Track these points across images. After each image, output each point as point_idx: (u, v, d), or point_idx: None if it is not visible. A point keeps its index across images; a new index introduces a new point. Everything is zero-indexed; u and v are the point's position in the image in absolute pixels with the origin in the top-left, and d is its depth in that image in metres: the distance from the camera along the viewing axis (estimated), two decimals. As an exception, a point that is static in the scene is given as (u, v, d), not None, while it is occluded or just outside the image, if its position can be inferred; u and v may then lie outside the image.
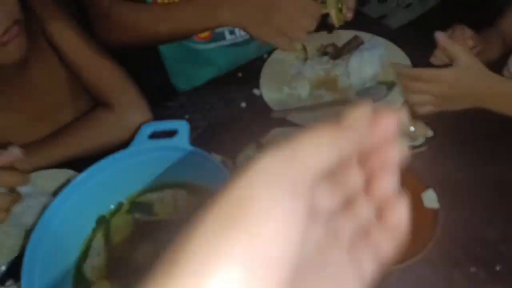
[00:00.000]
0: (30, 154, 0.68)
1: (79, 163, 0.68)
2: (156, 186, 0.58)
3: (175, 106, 0.81)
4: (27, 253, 0.46)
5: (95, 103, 0.76)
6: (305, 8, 0.63)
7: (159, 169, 0.57)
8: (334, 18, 0.69)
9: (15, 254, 0.56)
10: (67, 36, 0.70)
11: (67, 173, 0.65)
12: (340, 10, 0.70)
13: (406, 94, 0.64)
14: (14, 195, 0.54)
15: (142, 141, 0.56)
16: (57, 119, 0.74)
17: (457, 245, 0.50)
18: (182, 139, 0.54)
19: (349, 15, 0.70)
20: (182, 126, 0.56)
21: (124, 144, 0.67)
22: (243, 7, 0.64)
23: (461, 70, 0.58)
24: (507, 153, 0.59)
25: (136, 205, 0.58)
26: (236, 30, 0.82)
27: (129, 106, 0.71)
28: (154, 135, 0.57)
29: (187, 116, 0.77)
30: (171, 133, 0.56)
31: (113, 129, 0.70)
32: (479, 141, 0.62)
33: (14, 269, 0.54)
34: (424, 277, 0.48)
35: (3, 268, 0.56)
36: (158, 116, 0.74)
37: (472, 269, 0.48)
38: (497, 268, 0.48)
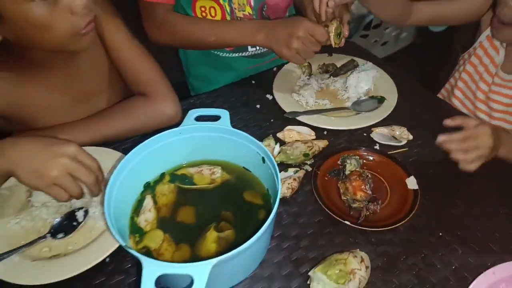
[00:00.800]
0: (77, 130, 0.77)
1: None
2: (196, 162, 0.70)
3: (196, 103, 0.92)
4: (106, 205, 0.55)
5: (129, 92, 0.86)
6: (314, 35, 0.79)
7: (201, 147, 0.69)
8: (333, 41, 0.86)
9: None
10: (115, 32, 0.79)
11: (109, 152, 0.75)
12: (339, 34, 0.88)
13: (460, 157, 0.67)
14: None
15: (189, 123, 0.68)
16: (95, 104, 0.83)
17: (431, 216, 0.66)
18: (225, 122, 0.67)
19: (343, 40, 0.88)
20: (224, 113, 0.68)
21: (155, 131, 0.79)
22: (273, 34, 0.80)
23: (487, 123, 0.68)
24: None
25: (176, 176, 0.69)
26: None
27: (164, 96, 0.81)
28: (199, 119, 0.69)
29: (208, 112, 0.90)
30: (214, 119, 0.68)
31: (149, 116, 0.79)
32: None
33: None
34: (407, 238, 0.63)
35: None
36: (184, 112, 0.84)
37: (441, 233, 0.64)
38: (458, 233, 0.64)
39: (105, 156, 0.72)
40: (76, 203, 0.68)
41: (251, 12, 0.91)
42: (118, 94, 0.87)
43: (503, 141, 0.70)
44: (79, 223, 0.65)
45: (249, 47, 0.96)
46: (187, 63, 1.07)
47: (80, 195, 0.62)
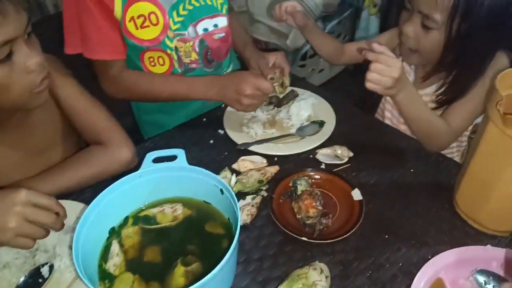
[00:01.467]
0: (35, 185, 0.78)
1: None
2: (158, 202, 0.73)
3: (150, 146, 0.96)
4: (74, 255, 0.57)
5: (84, 143, 0.89)
6: (261, 90, 0.87)
7: (161, 187, 0.73)
8: (277, 90, 0.97)
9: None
10: (66, 87, 0.83)
11: (69, 204, 0.76)
12: (282, 84, 0.98)
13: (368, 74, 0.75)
14: None
15: (148, 165, 0.72)
16: (50, 157, 0.85)
17: (375, 222, 0.74)
18: (182, 161, 0.72)
19: (287, 88, 0.99)
20: (180, 153, 0.73)
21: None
22: (224, 91, 0.89)
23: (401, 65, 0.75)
24: (400, 163, 0.87)
25: (139, 218, 0.72)
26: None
27: (119, 143, 0.84)
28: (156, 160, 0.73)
29: (164, 153, 0.94)
30: (171, 158, 0.73)
31: (107, 163, 0.82)
32: (383, 158, 0.89)
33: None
34: (357, 245, 0.71)
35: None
36: (138, 155, 0.87)
37: (385, 236, 0.72)
38: (400, 233, 0.72)
39: (66, 209, 0.73)
40: (40, 259, 0.68)
41: (196, 58, 0.98)
42: (73, 146, 0.90)
43: (407, 88, 0.78)
44: (45, 279, 0.65)
45: None
46: (138, 111, 1.11)
47: (46, 235, 0.63)
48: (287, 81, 0.98)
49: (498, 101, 0.56)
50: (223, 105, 1.06)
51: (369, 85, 0.76)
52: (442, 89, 0.92)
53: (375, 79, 0.74)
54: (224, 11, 0.98)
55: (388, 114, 1.10)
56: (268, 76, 0.97)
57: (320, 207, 0.72)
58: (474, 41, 0.80)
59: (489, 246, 0.64)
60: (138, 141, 1.18)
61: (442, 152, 0.91)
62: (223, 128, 0.98)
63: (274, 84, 0.94)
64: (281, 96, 1.02)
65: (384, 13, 1.82)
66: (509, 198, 0.64)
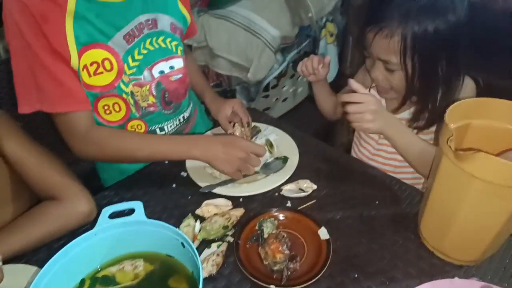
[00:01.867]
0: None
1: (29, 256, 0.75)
2: (117, 259, 0.69)
3: (110, 195, 0.92)
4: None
5: (36, 199, 0.83)
6: (256, 153, 0.87)
7: (119, 244, 0.69)
8: None
9: None
10: (13, 143, 0.78)
11: (21, 268, 0.71)
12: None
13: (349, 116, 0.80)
14: None
15: (103, 222, 0.68)
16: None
17: (343, 261, 0.73)
18: (140, 215, 0.69)
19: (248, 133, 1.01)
20: (137, 205, 0.70)
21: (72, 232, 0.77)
22: (211, 152, 0.85)
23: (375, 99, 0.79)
24: (365, 194, 0.88)
25: (97, 279, 0.67)
26: (164, 126, 1.02)
27: (75, 197, 0.79)
28: (113, 216, 0.69)
29: (124, 201, 0.90)
30: (129, 211, 0.69)
31: (63, 219, 0.78)
32: (347, 190, 0.90)
33: None
34: (328, 287, 0.69)
35: None
36: (99, 206, 0.82)
37: (354, 275, 0.71)
38: (369, 270, 0.72)
39: (18, 273, 0.68)
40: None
41: (154, 101, 0.96)
42: (25, 203, 0.84)
43: (389, 118, 0.82)
44: None
45: (157, 130, 1.01)
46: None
47: None
48: (247, 131, 1.01)
49: (449, 137, 0.58)
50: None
51: (354, 125, 0.80)
52: (414, 116, 0.95)
53: (355, 118, 0.79)
54: (179, 52, 0.98)
55: (356, 145, 1.12)
56: (228, 131, 1.00)
57: (287, 251, 0.70)
58: (431, 70, 0.84)
59: (456, 278, 0.64)
60: (98, 189, 1.13)
61: (413, 179, 0.92)
62: (185, 170, 0.95)
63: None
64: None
65: (341, 42, 1.89)
66: (470, 228, 0.65)
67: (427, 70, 0.84)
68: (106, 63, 0.85)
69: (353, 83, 0.79)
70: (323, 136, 2.06)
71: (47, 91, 0.81)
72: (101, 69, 0.85)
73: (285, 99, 1.78)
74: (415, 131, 0.94)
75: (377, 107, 0.79)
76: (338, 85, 1.94)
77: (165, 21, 0.93)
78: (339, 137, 2.08)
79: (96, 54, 0.83)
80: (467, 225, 0.64)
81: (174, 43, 0.96)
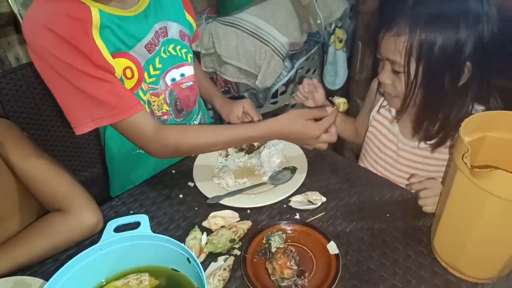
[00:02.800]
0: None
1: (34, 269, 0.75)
2: (122, 274, 0.68)
3: (117, 205, 0.91)
4: None
5: (44, 210, 0.83)
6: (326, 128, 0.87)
7: (124, 258, 0.68)
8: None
9: None
10: (20, 155, 0.78)
11: (28, 280, 0.70)
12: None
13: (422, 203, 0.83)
14: None
15: (109, 236, 0.67)
16: (7, 229, 0.78)
17: (353, 276, 0.71)
18: (146, 229, 0.68)
19: None
20: (143, 219, 0.69)
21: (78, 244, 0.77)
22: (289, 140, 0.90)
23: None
24: (376, 207, 0.86)
25: (102, 294, 0.66)
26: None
27: (82, 209, 0.79)
28: (119, 229, 0.68)
29: (131, 212, 0.89)
30: (135, 224, 0.68)
31: (69, 231, 0.77)
32: (357, 202, 0.88)
33: None
34: (338, 304, 0.67)
35: None
36: (106, 217, 0.83)
37: (366, 291, 0.69)
38: (381, 286, 0.69)
39: (24, 286, 0.67)
40: None
41: (168, 109, 0.95)
42: (32, 215, 0.83)
43: None
44: None
45: None
46: (109, 160, 1.06)
47: None
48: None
49: (464, 152, 0.55)
50: (193, 154, 1.03)
51: (426, 209, 0.83)
52: (415, 125, 0.92)
53: (429, 203, 0.82)
54: (189, 59, 0.97)
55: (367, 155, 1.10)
56: None
57: (295, 267, 0.68)
58: (435, 80, 0.82)
59: (471, 297, 0.62)
60: (108, 195, 1.12)
61: None
62: (193, 180, 0.94)
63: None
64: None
65: (350, 48, 1.87)
66: (486, 246, 0.62)
67: (430, 79, 0.82)
68: (128, 72, 0.84)
69: (416, 178, 0.87)
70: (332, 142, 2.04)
71: (99, 104, 0.77)
72: (122, 77, 0.84)
73: (294, 105, 1.76)
74: (429, 148, 0.93)
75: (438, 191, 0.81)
76: (347, 91, 1.92)
77: (174, 29, 0.92)
78: (349, 142, 2.06)
79: (119, 63, 0.81)
80: (482, 243, 0.62)
81: (184, 50, 0.95)
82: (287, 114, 0.87)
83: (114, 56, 0.80)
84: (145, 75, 0.87)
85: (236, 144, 0.97)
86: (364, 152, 1.12)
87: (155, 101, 0.92)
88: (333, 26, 1.70)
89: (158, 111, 0.94)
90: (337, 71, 1.81)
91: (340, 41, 1.74)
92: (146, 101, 0.90)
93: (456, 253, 0.67)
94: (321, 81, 1.85)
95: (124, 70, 0.83)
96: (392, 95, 0.91)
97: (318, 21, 1.48)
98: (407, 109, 0.89)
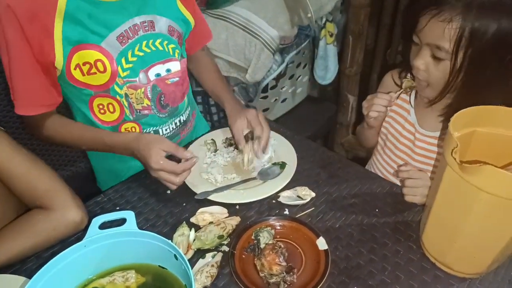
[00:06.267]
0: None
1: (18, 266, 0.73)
2: (108, 271, 0.67)
3: (103, 202, 0.89)
4: None
5: (24, 207, 0.81)
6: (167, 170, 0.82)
7: (110, 255, 0.66)
8: (245, 163, 0.92)
9: None
10: None
11: (9, 278, 0.68)
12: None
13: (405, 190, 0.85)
14: None
15: (94, 232, 0.65)
16: None
17: (342, 272, 0.71)
18: (132, 225, 0.66)
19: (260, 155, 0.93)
20: (129, 215, 0.67)
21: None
22: (137, 156, 0.85)
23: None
24: (365, 202, 0.86)
25: (87, 292, 0.65)
26: (159, 129, 0.99)
27: (66, 205, 0.76)
28: (104, 226, 0.67)
29: (118, 208, 0.88)
30: (121, 221, 0.67)
31: (52, 228, 0.75)
32: (347, 197, 0.87)
33: None
34: (327, 300, 0.67)
35: None
36: (91, 213, 0.80)
37: (355, 287, 0.68)
38: (369, 282, 0.69)
39: (6, 284, 0.65)
40: None
41: (149, 103, 0.93)
42: (13, 213, 0.80)
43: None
44: None
45: (152, 133, 0.98)
46: (91, 157, 1.04)
47: None
48: (257, 147, 0.92)
49: (453, 148, 0.55)
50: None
51: (408, 198, 0.84)
52: (447, 114, 0.90)
53: (412, 192, 0.84)
54: (176, 55, 0.95)
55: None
56: (239, 146, 0.94)
57: (283, 263, 0.68)
58: (480, 68, 0.80)
59: (459, 292, 0.62)
60: (95, 190, 1.10)
61: None
62: (181, 176, 0.92)
63: (244, 155, 0.92)
64: (247, 167, 0.93)
65: (341, 41, 1.86)
66: (475, 242, 0.62)
67: (476, 68, 0.80)
68: (99, 65, 0.83)
69: (404, 167, 0.88)
70: (322, 136, 2.04)
71: (16, 92, 0.83)
72: (94, 70, 0.83)
73: (284, 100, 1.74)
74: None
75: (430, 182, 0.82)
76: (338, 86, 1.92)
77: (162, 23, 0.90)
78: (339, 137, 2.07)
79: (88, 55, 0.81)
80: (472, 239, 0.62)
81: (171, 46, 0.93)
82: (149, 135, 0.88)
83: (82, 47, 0.80)
84: (119, 68, 0.86)
85: (95, 148, 0.94)
86: (381, 144, 1.10)
87: (132, 94, 0.90)
88: (323, 20, 1.68)
89: (137, 104, 0.92)
90: (328, 66, 1.79)
91: (331, 35, 1.72)
92: (123, 95, 0.89)
93: (445, 248, 0.67)
94: (311, 76, 1.85)
95: (95, 63, 0.83)
96: (423, 83, 0.88)
97: (309, 15, 1.46)
98: (444, 96, 0.87)
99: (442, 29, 0.78)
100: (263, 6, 1.46)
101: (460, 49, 0.78)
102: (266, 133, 0.93)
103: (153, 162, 0.80)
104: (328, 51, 1.76)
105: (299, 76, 1.78)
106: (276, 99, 1.71)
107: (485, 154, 0.66)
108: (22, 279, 0.69)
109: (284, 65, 1.58)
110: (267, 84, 1.62)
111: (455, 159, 0.54)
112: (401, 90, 0.96)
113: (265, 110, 1.69)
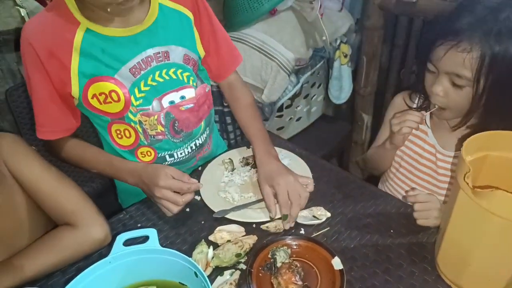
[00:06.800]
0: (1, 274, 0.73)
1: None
2: (131, 286, 0.70)
3: (125, 219, 0.93)
4: None
5: (53, 224, 0.85)
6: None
7: (133, 271, 0.69)
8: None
9: None
10: (28, 170, 0.79)
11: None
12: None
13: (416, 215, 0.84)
14: None
15: (118, 249, 0.69)
16: (16, 243, 0.79)
17: (359, 293, 0.72)
18: (154, 242, 0.69)
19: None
20: (151, 233, 0.71)
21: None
22: (141, 186, 0.91)
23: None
24: (380, 222, 0.87)
25: (111, 306, 0.67)
26: (174, 153, 1.03)
27: (90, 223, 0.80)
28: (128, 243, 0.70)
29: (139, 225, 0.91)
30: (143, 238, 0.70)
31: (77, 245, 0.78)
32: (362, 217, 0.89)
33: None
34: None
35: None
36: (114, 230, 0.85)
37: (371, 308, 0.70)
38: (385, 303, 0.70)
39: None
40: None
41: (162, 130, 0.97)
42: (41, 229, 0.84)
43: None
44: None
45: (167, 157, 1.02)
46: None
47: None
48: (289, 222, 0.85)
49: (466, 172, 0.57)
50: (199, 168, 1.05)
51: (420, 222, 0.83)
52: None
53: (423, 216, 0.83)
54: (191, 83, 0.97)
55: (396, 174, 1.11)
56: (270, 211, 0.86)
57: (299, 282, 0.69)
58: (501, 93, 0.82)
59: (474, 316, 0.63)
60: (114, 206, 1.14)
61: None
62: (199, 194, 0.96)
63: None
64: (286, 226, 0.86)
65: (355, 62, 1.89)
66: (489, 265, 0.63)
67: (497, 91, 0.81)
68: (113, 95, 0.88)
69: (412, 192, 0.86)
70: (337, 155, 2.05)
71: (37, 119, 0.90)
72: (109, 99, 0.89)
73: (299, 119, 1.77)
74: None
75: (440, 204, 0.82)
76: (352, 105, 1.94)
77: (178, 53, 0.93)
78: (354, 155, 2.07)
79: (102, 86, 0.87)
80: (485, 261, 0.63)
81: (186, 74, 0.96)
82: (156, 164, 0.92)
83: (97, 79, 0.86)
84: (132, 98, 0.90)
85: (105, 171, 0.97)
86: (396, 166, 1.10)
87: (146, 121, 0.94)
88: (338, 41, 1.72)
89: (151, 130, 0.96)
90: (342, 86, 1.82)
91: (345, 56, 1.76)
92: (137, 121, 0.94)
93: (460, 270, 0.67)
94: (326, 95, 1.88)
95: (109, 93, 0.88)
96: (441, 108, 0.90)
97: (324, 38, 1.51)
98: (469, 121, 0.89)
99: (461, 59, 0.80)
100: (280, 29, 1.51)
101: (481, 76, 0.80)
102: (295, 210, 0.84)
103: (161, 180, 0.84)
104: (342, 71, 1.79)
105: (314, 95, 1.82)
106: (291, 118, 1.74)
107: (498, 177, 0.67)
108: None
109: (299, 85, 1.62)
110: (282, 104, 1.65)
111: (467, 183, 0.56)
112: (433, 109, 0.94)
113: (280, 128, 1.72)
